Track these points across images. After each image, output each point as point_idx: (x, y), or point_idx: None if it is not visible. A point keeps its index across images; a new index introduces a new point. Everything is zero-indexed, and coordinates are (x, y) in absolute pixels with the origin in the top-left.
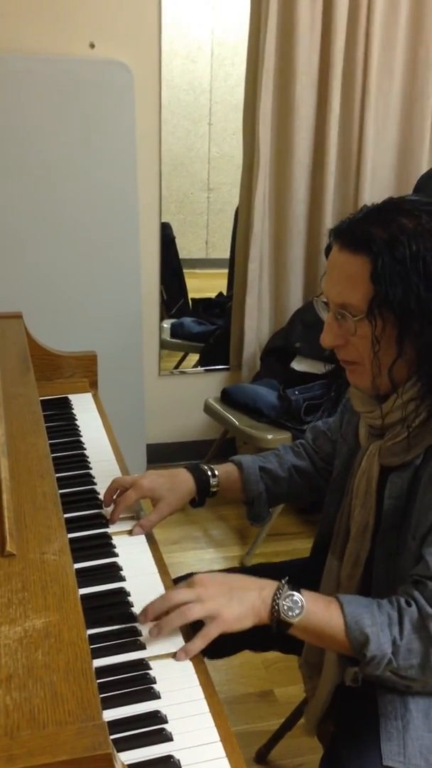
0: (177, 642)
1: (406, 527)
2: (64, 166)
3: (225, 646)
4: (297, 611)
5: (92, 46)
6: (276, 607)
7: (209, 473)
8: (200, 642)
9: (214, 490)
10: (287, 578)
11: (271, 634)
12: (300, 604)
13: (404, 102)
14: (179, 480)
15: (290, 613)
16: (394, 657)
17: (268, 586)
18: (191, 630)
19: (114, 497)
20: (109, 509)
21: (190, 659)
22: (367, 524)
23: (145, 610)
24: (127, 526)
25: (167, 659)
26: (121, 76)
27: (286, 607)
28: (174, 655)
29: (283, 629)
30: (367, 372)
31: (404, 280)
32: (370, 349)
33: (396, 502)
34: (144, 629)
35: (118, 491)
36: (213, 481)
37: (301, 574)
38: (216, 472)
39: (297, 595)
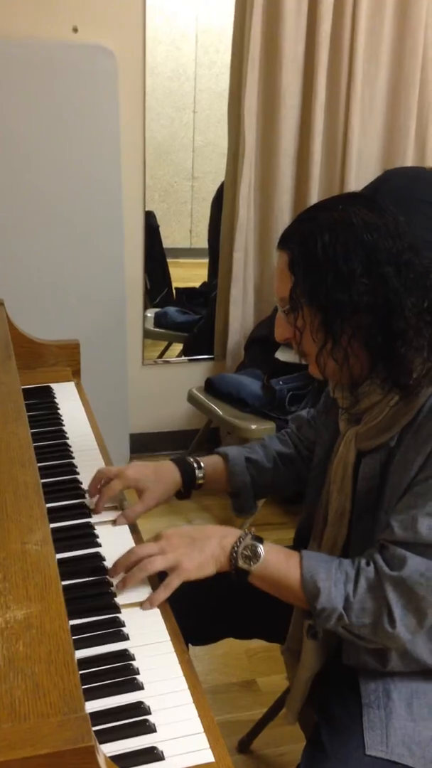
0: (146, 591)
1: (380, 507)
2: (47, 154)
3: (208, 632)
4: (255, 559)
5: (75, 30)
6: (235, 554)
7: (195, 465)
8: (163, 592)
9: (200, 482)
10: (252, 529)
11: (232, 583)
12: (259, 553)
13: (390, 91)
14: (165, 472)
15: (249, 561)
16: (345, 613)
17: (231, 534)
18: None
19: (99, 487)
20: (94, 500)
21: (175, 651)
22: (344, 510)
23: (114, 566)
24: (111, 516)
25: (136, 610)
26: (105, 61)
27: (244, 555)
28: (141, 605)
29: (242, 577)
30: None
31: (315, 271)
32: (293, 339)
33: (370, 484)
34: (125, 616)
35: (103, 481)
36: (199, 473)
37: None
38: (202, 464)
39: (257, 544)
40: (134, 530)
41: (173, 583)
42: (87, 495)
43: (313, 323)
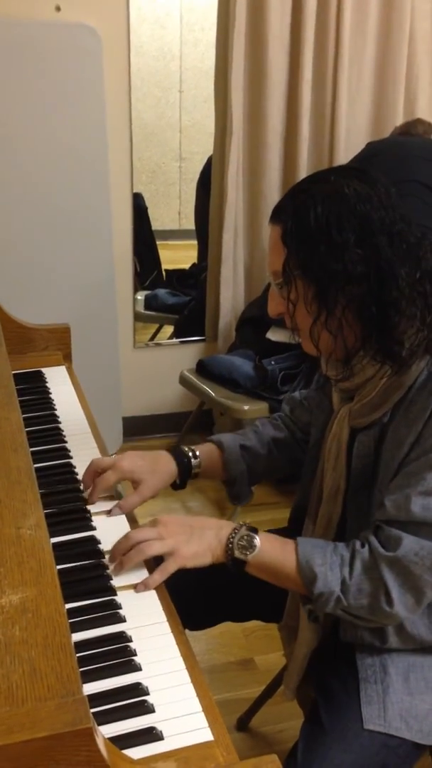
0: (143, 576)
1: (374, 485)
2: (31, 136)
3: (205, 617)
4: (251, 549)
5: (58, 9)
6: (231, 545)
7: (190, 455)
8: (158, 576)
9: (196, 471)
10: (248, 522)
11: (230, 573)
12: (254, 543)
13: (378, 66)
14: (160, 463)
15: (245, 552)
16: (343, 595)
17: (227, 526)
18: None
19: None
20: (89, 491)
21: (172, 632)
22: (339, 487)
23: (112, 551)
24: (106, 506)
25: (132, 593)
26: (89, 40)
27: (240, 546)
28: (135, 588)
29: (239, 567)
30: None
31: (309, 242)
32: (287, 312)
33: (364, 461)
34: (122, 598)
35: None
36: (195, 463)
37: None
38: (197, 454)
39: (253, 535)
40: (129, 513)
41: (169, 567)
42: (82, 486)
43: (307, 295)
